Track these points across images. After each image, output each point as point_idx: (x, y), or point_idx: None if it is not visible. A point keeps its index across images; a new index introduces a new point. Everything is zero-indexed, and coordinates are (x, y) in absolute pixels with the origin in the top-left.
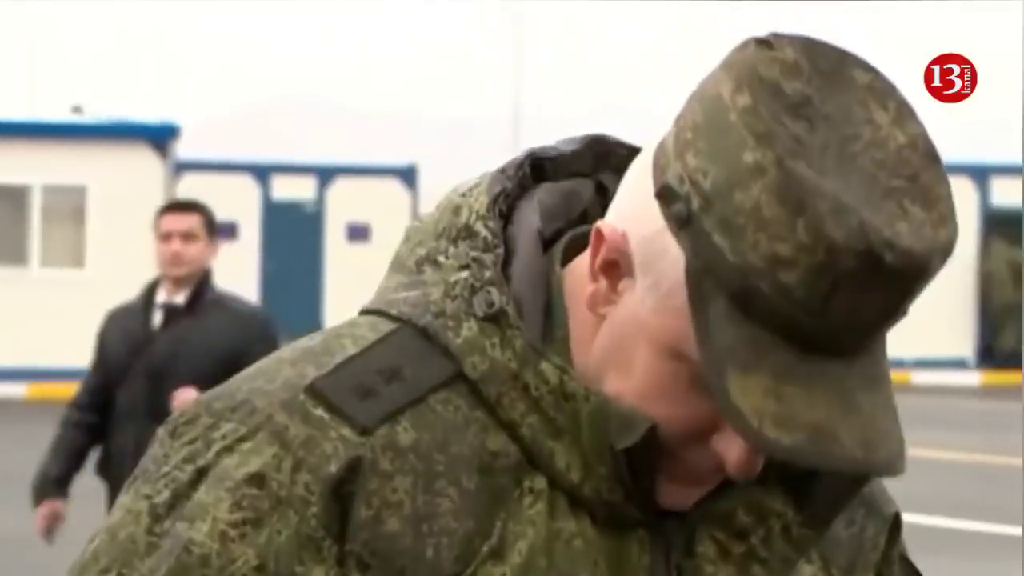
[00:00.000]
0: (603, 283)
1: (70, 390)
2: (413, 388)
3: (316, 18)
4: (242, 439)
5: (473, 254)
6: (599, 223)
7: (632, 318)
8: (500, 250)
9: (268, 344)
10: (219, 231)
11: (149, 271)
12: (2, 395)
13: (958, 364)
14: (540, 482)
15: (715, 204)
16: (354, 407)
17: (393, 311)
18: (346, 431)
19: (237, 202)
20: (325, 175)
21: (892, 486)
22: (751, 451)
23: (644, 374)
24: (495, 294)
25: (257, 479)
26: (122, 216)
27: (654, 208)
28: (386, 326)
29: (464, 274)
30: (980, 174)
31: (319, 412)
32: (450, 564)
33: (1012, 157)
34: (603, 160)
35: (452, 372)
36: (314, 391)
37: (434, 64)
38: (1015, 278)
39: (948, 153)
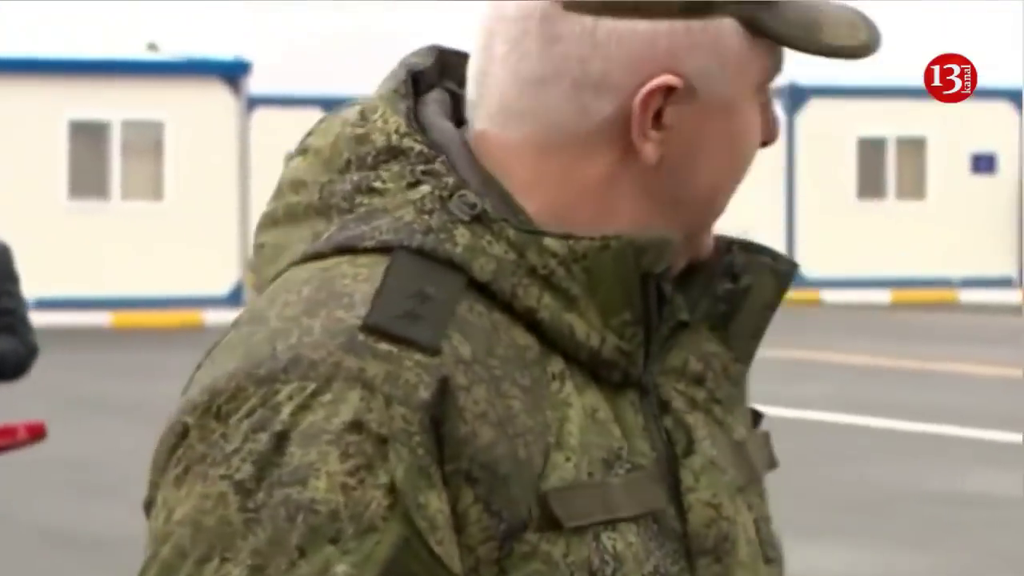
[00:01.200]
0: (654, 133)
1: (152, 318)
2: (442, 304)
3: None
4: (315, 393)
5: (420, 167)
6: (654, 84)
7: (701, 127)
8: (443, 156)
9: (7, 277)
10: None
11: (225, 202)
12: (88, 323)
13: (1003, 283)
14: (557, 364)
15: None
16: (414, 331)
17: (369, 243)
18: (418, 356)
19: None
20: None
21: (944, 400)
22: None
23: (745, 145)
24: (469, 195)
25: (355, 425)
26: (198, 150)
27: (669, 38)
28: (372, 259)
29: (425, 188)
30: (1019, 97)
31: (384, 346)
32: (538, 459)
33: None
34: (447, 70)
35: (463, 282)
36: (371, 327)
37: None
38: None
39: (985, 78)
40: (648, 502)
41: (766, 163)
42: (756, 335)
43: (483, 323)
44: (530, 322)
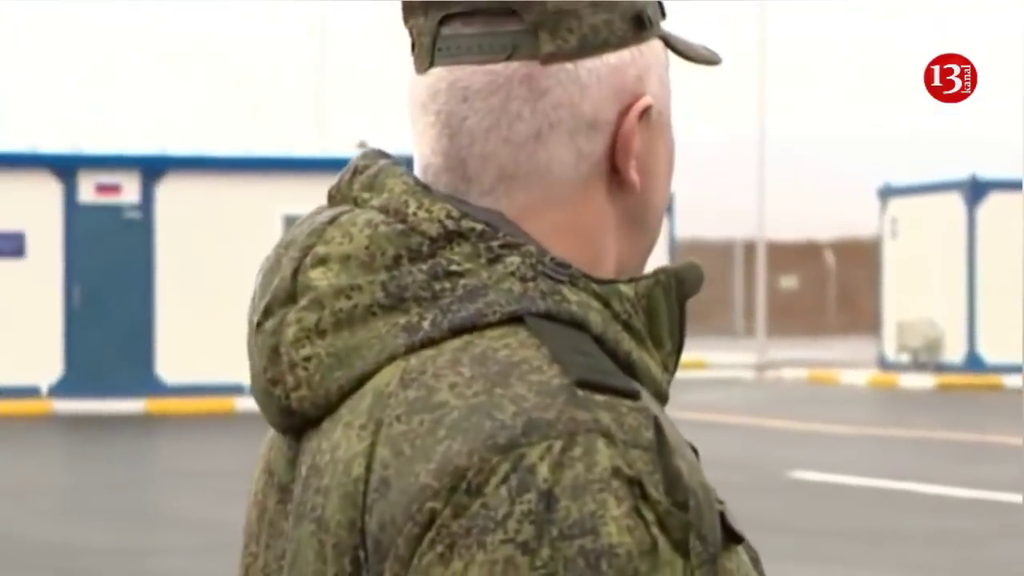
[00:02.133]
0: (632, 160)
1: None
2: (603, 358)
3: None
4: (564, 449)
5: (495, 243)
6: (640, 105)
7: (652, 145)
8: (502, 231)
9: None
10: None
11: None
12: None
13: None
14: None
15: None
16: (615, 381)
17: (493, 317)
18: (628, 402)
19: None
20: None
21: None
22: None
23: (672, 160)
24: (557, 258)
25: (614, 471)
26: None
27: (634, 66)
28: (503, 330)
29: (514, 259)
30: None
31: (600, 397)
32: (710, 485)
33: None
34: None
35: (588, 336)
36: (585, 383)
37: None
38: None
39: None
40: (740, 524)
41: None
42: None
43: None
44: (625, 366)
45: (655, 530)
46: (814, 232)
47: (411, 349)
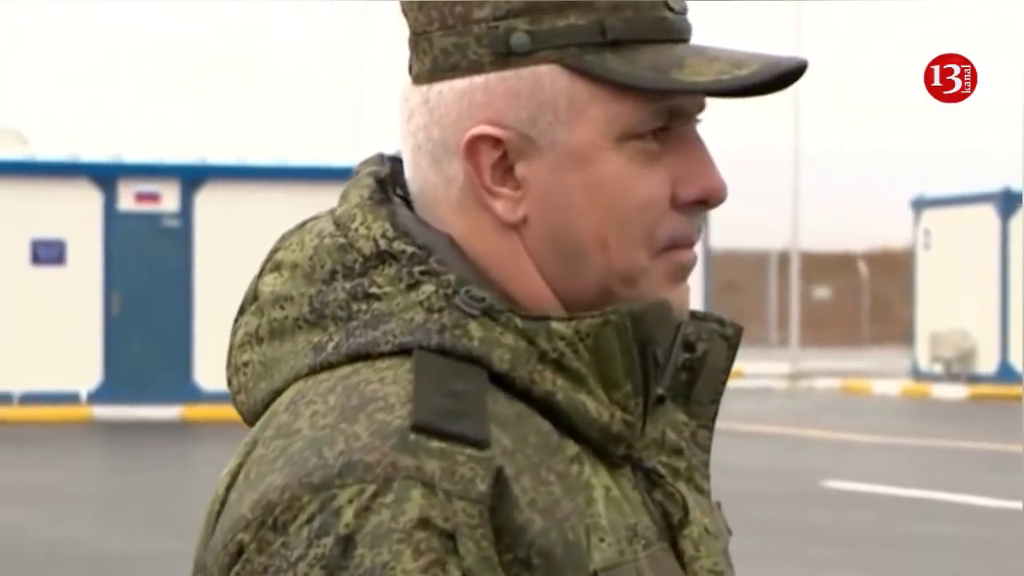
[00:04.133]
0: (505, 190)
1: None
2: (474, 399)
3: None
4: (376, 495)
5: (417, 268)
6: (467, 137)
7: (556, 179)
8: (435, 255)
9: None
10: None
11: None
12: None
13: None
14: (572, 447)
15: (526, 8)
16: (461, 427)
17: (385, 348)
18: (470, 450)
19: None
20: None
21: None
22: (711, 163)
23: (614, 196)
24: (474, 290)
25: (422, 522)
26: None
27: (484, 92)
28: (391, 362)
29: (428, 288)
30: None
31: (436, 443)
32: (584, 541)
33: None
34: (397, 176)
35: (484, 376)
36: (421, 427)
37: None
38: None
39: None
40: (671, 574)
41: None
42: (715, 399)
43: (509, 413)
44: (545, 407)
45: None
46: (848, 243)
47: (312, 371)
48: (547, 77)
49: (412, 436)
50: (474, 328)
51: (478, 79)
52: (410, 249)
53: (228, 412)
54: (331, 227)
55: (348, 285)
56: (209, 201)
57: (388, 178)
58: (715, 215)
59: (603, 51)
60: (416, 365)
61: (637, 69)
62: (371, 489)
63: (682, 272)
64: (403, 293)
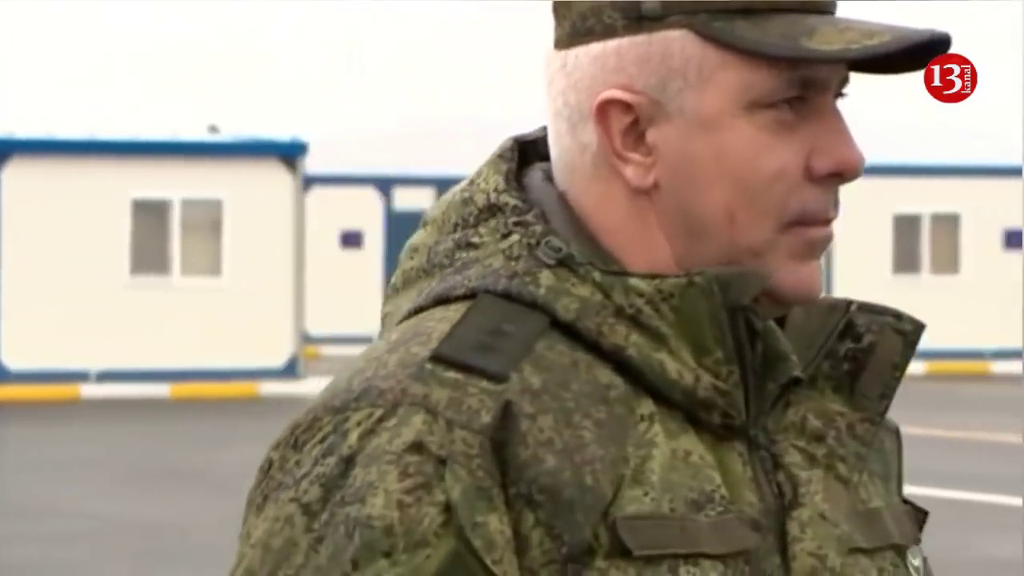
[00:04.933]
0: (636, 156)
1: (210, 389)
2: (520, 340)
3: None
4: (382, 419)
5: (512, 219)
6: (598, 101)
7: (686, 146)
8: (537, 209)
9: None
10: (346, 240)
11: (280, 277)
12: (148, 395)
13: None
14: (648, 406)
15: None
16: (483, 360)
17: (460, 292)
18: (484, 383)
19: (362, 213)
20: (443, 186)
21: (974, 469)
22: (848, 136)
23: (743, 165)
24: (555, 241)
25: (416, 446)
26: (255, 227)
27: (616, 56)
28: (462, 304)
29: (514, 237)
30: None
31: (451, 374)
32: (608, 488)
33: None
34: None
35: (546, 322)
36: (440, 357)
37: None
38: None
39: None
40: (736, 543)
41: None
42: (885, 395)
43: (562, 360)
44: (618, 361)
45: (433, 510)
46: None
47: (408, 315)
48: (677, 43)
49: (429, 366)
50: (545, 277)
51: (611, 43)
52: (513, 202)
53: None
54: (466, 183)
55: (458, 235)
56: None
57: (533, 144)
58: None
59: (734, 17)
60: (474, 305)
61: (767, 36)
62: (378, 413)
63: (811, 249)
64: (496, 243)
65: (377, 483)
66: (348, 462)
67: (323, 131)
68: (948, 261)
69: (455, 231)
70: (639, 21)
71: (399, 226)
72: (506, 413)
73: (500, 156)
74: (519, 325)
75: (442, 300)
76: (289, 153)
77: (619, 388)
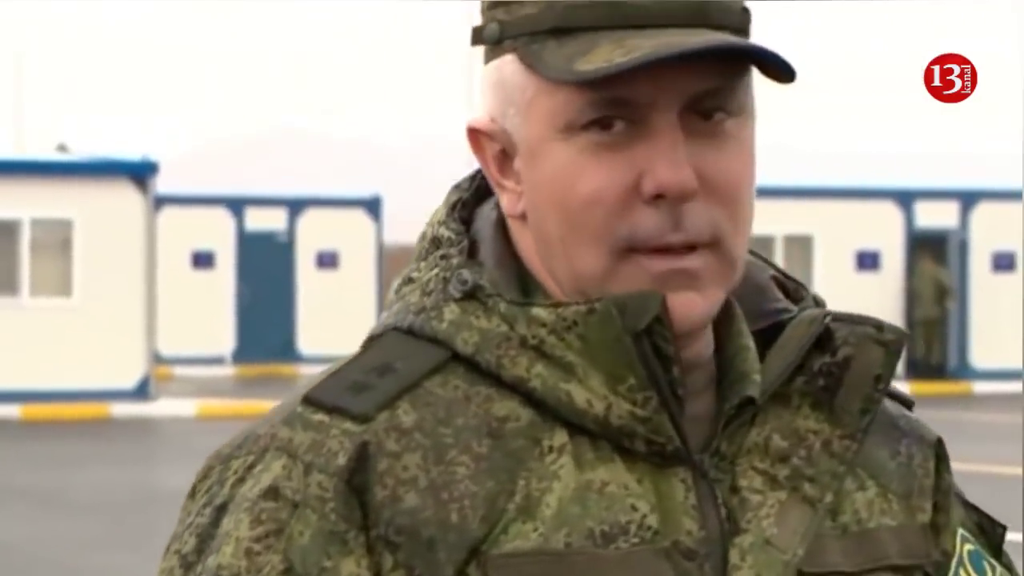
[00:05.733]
0: (510, 183)
1: (61, 411)
2: (406, 376)
3: (287, 54)
4: (251, 466)
5: (440, 252)
6: (466, 131)
7: (528, 174)
8: (465, 242)
9: None
10: (197, 260)
11: (132, 298)
12: None
13: None
14: (560, 437)
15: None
16: (350, 401)
17: (378, 330)
18: (347, 424)
19: (213, 233)
20: (296, 207)
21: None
22: (673, 156)
23: (562, 190)
24: (465, 274)
25: (271, 492)
26: (105, 247)
27: (482, 84)
28: (379, 342)
29: (435, 271)
30: (905, 198)
31: (318, 416)
32: (477, 524)
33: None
34: None
35: (444, 356)
36: (309, 399)
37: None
38: (938, 295)
39: (873, 179)
40: (646, 575)
41: None
42: (867, 409)
43: (453, 395)
44: (523, 392)
45: (274, 558)
46: None
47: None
48: (508, 68)
49: (299, 408)
50: (449, 311)
51: (490, 65)
52: (447, 234)
53: None
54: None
55: (408, 269)
56: None
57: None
58: None
59: (547, 40)
60: (375, 342)
61: (554, 59)
62: (250, 460)
63: (661, 283)
64: (427, 275)
65: (232, 531)
66: (220, 511)
67: (174, 148)
68: (802, 281)
69: (413, 264)
70: (489, 47)
71: (250, 246)
72: (361, 455)
73: (456, 186)
74: (411, 361)
75: (369, 339)
76: (139, 172)
77: (521, 420)
